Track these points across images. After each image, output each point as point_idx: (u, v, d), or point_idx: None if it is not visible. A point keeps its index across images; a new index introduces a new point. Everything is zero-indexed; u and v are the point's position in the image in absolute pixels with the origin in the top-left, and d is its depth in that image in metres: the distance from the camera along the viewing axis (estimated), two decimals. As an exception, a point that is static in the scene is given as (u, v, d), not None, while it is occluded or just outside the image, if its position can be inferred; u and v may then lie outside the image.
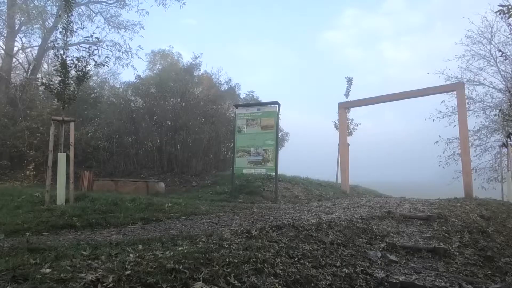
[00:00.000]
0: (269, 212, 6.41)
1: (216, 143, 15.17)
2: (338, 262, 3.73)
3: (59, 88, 6.90)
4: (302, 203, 8.82)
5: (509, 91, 12.87)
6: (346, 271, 3.56)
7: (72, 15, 7.21)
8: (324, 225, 4.87)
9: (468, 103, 14.10)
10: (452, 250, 4.57)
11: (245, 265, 3.07)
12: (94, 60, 7.03)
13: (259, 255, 3.31)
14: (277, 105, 10.20)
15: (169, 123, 15.70)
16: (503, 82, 15.61)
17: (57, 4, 15.91)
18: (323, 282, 3.25)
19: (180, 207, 6.80)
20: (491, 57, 15.65)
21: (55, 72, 7.23)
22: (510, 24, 6.73)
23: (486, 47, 15.65)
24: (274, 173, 10.00)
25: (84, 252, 3.23)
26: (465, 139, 10.23)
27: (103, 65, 7.30)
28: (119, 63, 17.87)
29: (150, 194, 9.98)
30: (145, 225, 5.38)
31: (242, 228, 4.39)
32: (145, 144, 15.96)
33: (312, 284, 3.16)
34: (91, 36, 8.01)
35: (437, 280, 3.64)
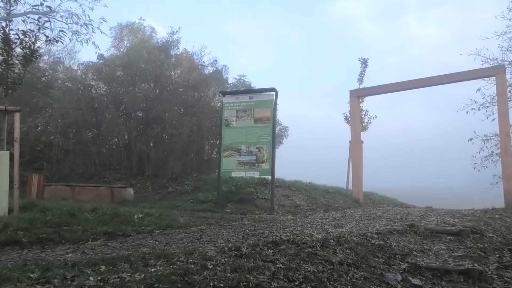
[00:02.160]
0: (264, 225, 6.40)
1: (198, 139, 15.15)
2: (349, 287, 3.75)
3: (0, 70, 6.81)
4: (304, 214, 8.83)
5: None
6: (359, 297, 3.58)
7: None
8: (332, 241, 4.89)
9: (510, 91, 14.24)
10: (489, 273, 4.62)
11: (234, 290, 3.07)
12: (45, 35, 6.97)
13: (251, 278, 3.32)
14: (274, 93, 10.18)
15: (140, 115, 15.62)
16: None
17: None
18: (330, 311, 3.27)
19: (153, 218, 6.77)
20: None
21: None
22: None
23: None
24: (270, 177, 10.00)
25: (32, 275, 3.21)
26: (506, 135, 10.33)
27: (57, 41, 7.23)
28: (76, 39, 17.49)
29: (115, 203, 9.93)
30: (109, 241, 5.35)
31: (230, 245, 4.38)
32: (110, 140, 15.87)
33: (317, 314, 3.17)
34: (41, 4, 7.94)
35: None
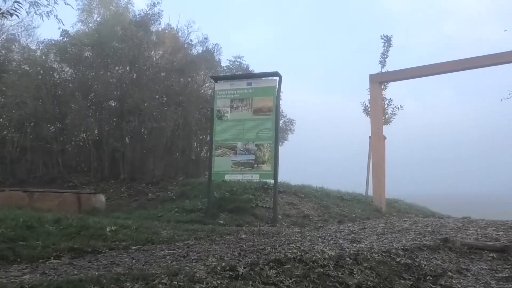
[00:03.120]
0: (265, 240, 6.39)
1: (184, 135, 15.14)
2: (369, 314, 3.74)
3: None
4: (314, 226, 8.83)
5: None
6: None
7: None
8: (348, 259, 4.88)
9: None
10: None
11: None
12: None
13: (250, 304, 3.30)
14: (277, 78, 10.17)
15: (113, 105, 15.59)
16: None
17: None
18: None
19: (130, 231, 6.76)
20: None
21: None
22: None
23: None
24: (272, 181, 10.00)
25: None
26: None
27: (11, 14, 7.18)
28: (35, 12, 17.50)
29: (83, 212, 9.89)
30: (75, 259, 5.34)
31: (223, 264, 4.37)
32: (76, 136, 15.85)
33: None
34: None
35: None
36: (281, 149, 12.97)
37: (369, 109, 14.72)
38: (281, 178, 11.62)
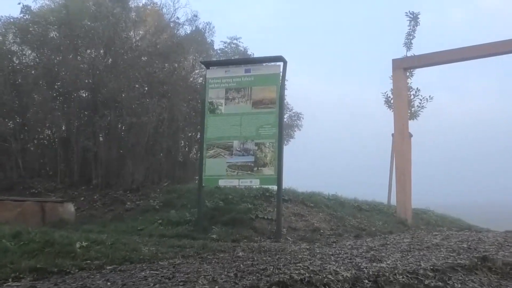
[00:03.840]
0: (267, 258, 6.38)
1: (170, 131, 15.12)
2: None
3: None
4: (326, 242, 8.82)
5: None
6: None
7: None
8: (366, 281, 4.87)
9: None
10: None
11: None
12: None
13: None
14: (281, 64, 10.18)
15: (84, 95, 15.55)
16: None
17: None
18: None
19: (104, 248, 6.74)
20: None
21: None
22: None
23: None
24: (275, 187, 10.02)
25: None
26: None
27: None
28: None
29: (48, 224, 9.87)
30: (38, 281, 5.33)
31: (217, 287, 4.35)
32: (40, 133, 15.82)
33: None
34: None
35: None
36: (286, 148, 12.94)
37: (391, 101, 14.70)
38: (286, 183, 11.60)
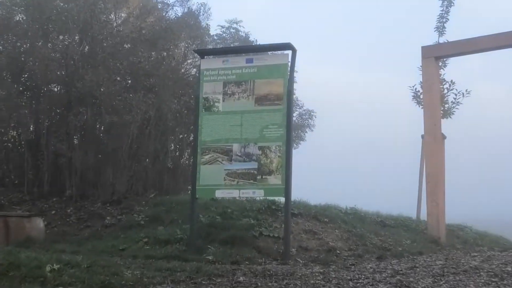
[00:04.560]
0: (273, 284, 6.37)
1: (157, 133, 15.09)
2: None
3: None
4: (343, 264, 8.80)
5: None
6: None
7: None
8: (392, 312, 4.86)
9: None
10: None
11: None
12: None
13: None
14: (289, 53, 10.18)
15: (56, 90, 15.52)
16: None
17: None
18: None
19: (79, 272, 6.74)
20: None
21: None
22: None
23: None
24: (283, 199, 10.01)
25: None
26: None
27: None
28: None
29: (13, 243, 9.86)
30: (0, 313, 5.33)
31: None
32: (4, 134, 15.79)
33: None
34: None
35: None
36: (295, 153, 12.92)
37: (421, 96, 14.68)
38: (296, 195, 11.57)
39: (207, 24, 17.56)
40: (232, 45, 16.75)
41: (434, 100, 13.24)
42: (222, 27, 17.92)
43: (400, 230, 12.55)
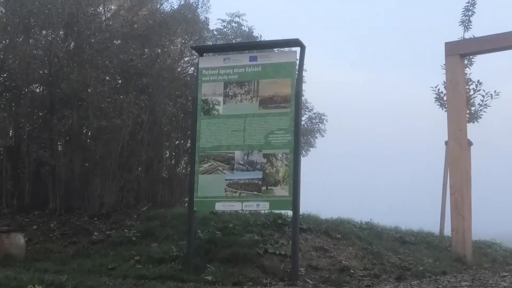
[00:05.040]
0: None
1: (151, 139, 15.08)
2: None
3: None
4: (357, 286, 8.78)
5: None
6: None
7: None
8: None
9: None
10: None
11: None
12: None
13: None
14: (297, 50, 10.21)
15: (38, 91, 15.53)
16: None
17: None
18: None
19: (63, 294, 6.74)
20: None
21: None
22: None
23: None
24: (290, 212, 10.05)
25: None
26: None
27: None
28: None
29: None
30: None
31: None
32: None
33: None
34: None
35: None
36: (304, 161, 12.89)
37: (444, 98, 14.65)
38: (305, 208, 11.58)
39: (206, 18, 17.59)
40: (234, 41, 16.79)
41: (459, 102, 13.20)
42: (223, 21, 17.99)
43: (421, 247, 12.53)
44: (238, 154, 10.06)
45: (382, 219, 14.30)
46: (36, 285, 6.83)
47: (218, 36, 17.51)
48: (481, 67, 15.52)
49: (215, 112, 10.32)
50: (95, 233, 12.69)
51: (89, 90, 14.49)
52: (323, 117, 18.35)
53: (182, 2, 17.23)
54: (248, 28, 17.69)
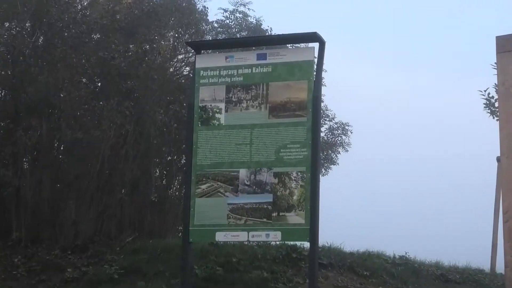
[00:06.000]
0: None
1: (137, 154, 15.12)
2: None
3: None
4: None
5: None
6: None
7: None
8: None
9: None
10: None
11: None
12: None
13: None
14: (315, 46, 10.23)
15: (0, 96, 15.59)
16: None
17: None
18: None
19: None
20: None
21: None
22: None
23: None
24: (306, 244, 10.00)
25: None
26: None
27: None
28: None
29: None
30: None
31: None
32: None
33: None
34: None
35: None
36: (324, 181, 12.85)
37: (496, 104, 14.69)
38: (325, 238, 11.60)
39: (204, 7, 17.58)
40: (238, 36, 16.81)
41: (513, 109, 13.24)
42: (225, 10, 18.01)
43: (468, 287, 12.51)
44: (243, 173, 10.03)
45: (420, 252, 14.29)
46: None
47: (219, 29, 17.54)
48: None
49: (215, 121, 10.29)
50: (69, 270, 12.68)
51: (62, 95, 14.54)
52: (347, 127, 18.32)
53: (174, -10, 17.31)
54: (256, 20, 17.71)
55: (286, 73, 10.13)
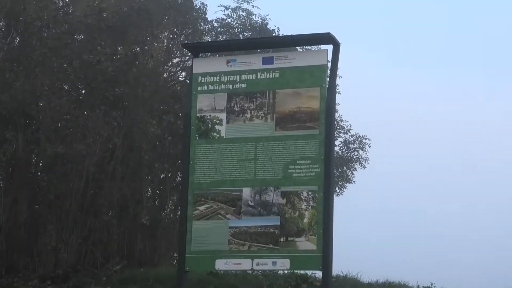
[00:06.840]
0: None
1: (126, 171, 15.17)
2: None
3: None
4: None
5: None
6: None
7: None
8: None
9: None
10: None
11: None
12: None
13: None
14: (328, 49, 10.09)
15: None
16: None
17: None
18: None
19: None
20: None
21: None
22: None
23: None
24: (319, 273, 10.03)
25: None
26: None
27: None
28: None
29: None
30: None
31: None
32: None
33: None
34: None
35: None
36: (338, 202, 12.88)
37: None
38: (340, 266, 11.66)
39: (202, 4, 17.67)
40: (241, 36, 16.87)
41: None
42: (226, 8, 18.04)
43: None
44: (247, 193, 10.00)
45: (448, 281, 14.33)
46: None
47: (219, 29, 17.60)
48: None
49: (215, 134, 10.26)
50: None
51: (41, 104, 14.58)
52: (364, 140, 18.35)
53: (170, -16, 17.34)
54: (261, 18, 17.77)
55: (296, 79, 10.11)
